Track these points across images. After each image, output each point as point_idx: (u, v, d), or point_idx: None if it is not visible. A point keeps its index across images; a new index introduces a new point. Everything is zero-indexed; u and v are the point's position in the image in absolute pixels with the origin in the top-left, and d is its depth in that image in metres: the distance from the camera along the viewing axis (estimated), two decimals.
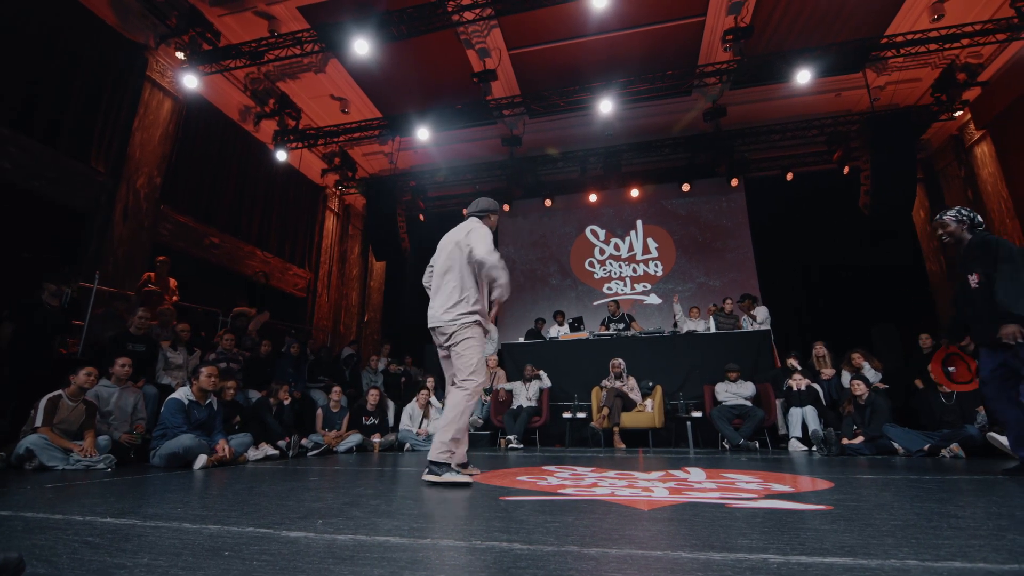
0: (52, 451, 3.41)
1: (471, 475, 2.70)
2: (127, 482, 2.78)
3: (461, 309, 2.78)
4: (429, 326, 2.91)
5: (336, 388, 5.81)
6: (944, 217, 3.07)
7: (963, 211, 3.01)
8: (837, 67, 7.65)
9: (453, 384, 2.80)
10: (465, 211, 3.22)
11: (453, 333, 2.77)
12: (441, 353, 2.97)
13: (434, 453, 2.60)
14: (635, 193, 10.82)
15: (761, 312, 7.10)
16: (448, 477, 2.52)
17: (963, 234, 2.99)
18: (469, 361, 2.72)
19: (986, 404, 2.94)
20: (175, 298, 6.19)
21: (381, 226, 10.28)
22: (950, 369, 3.44)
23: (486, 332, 2.91)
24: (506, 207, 11.30)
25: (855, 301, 9.53)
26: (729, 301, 7.45)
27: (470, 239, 2.84)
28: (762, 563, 1.11)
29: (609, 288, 10.80)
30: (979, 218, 3.02)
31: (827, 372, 5.76)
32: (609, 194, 10.95)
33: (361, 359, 7.87)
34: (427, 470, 2.60)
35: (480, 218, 3.07)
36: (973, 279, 2.86)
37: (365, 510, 1.83)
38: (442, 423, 2.66)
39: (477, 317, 2.81)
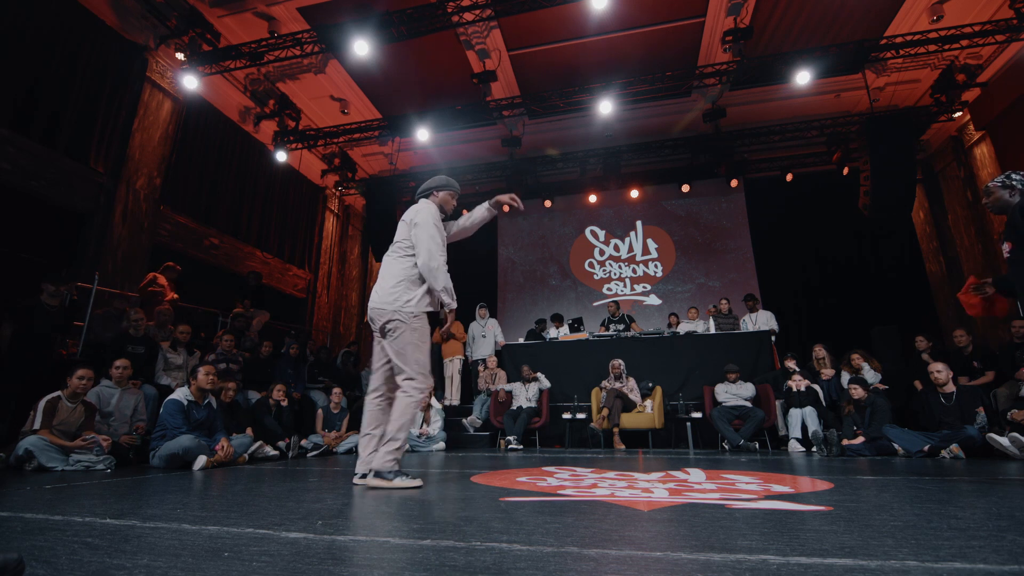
0: (51, 452, 3.40)
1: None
2: (126, 483, 2.77)
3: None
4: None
5: (336, 389, 5.81)
6: (990, 184, 2.69)
7: (1014, 175, 2.60)
8: (836, 68, 7.66)
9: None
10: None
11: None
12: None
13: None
14: (635, 194, 10.83)
15: (763, 316, 7.11)
16: (399, 483, 2.41)
17: (1007, 199, 2.59)
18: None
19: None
20: (172, 295, 6.18)
21: (381, 227, 10.28)
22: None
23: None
24: (506, 208, 11.29)
25: (855, 302, 9.54)
26: (725, 302, 7.45)
27: (414, 232, 2.55)
28: (762, 564, 1.10)
29: (609, 289, 10.81)
30: None
31: (827, 373, 5.76)
32: (609, 195, 10.96)
33: (360, 360, 7.86)
34: (373, 474, 2.47)
35: (426, 197, 2.71)
36: (1005, 247, 2.54)
37: (365, 511, 1.83)
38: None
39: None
